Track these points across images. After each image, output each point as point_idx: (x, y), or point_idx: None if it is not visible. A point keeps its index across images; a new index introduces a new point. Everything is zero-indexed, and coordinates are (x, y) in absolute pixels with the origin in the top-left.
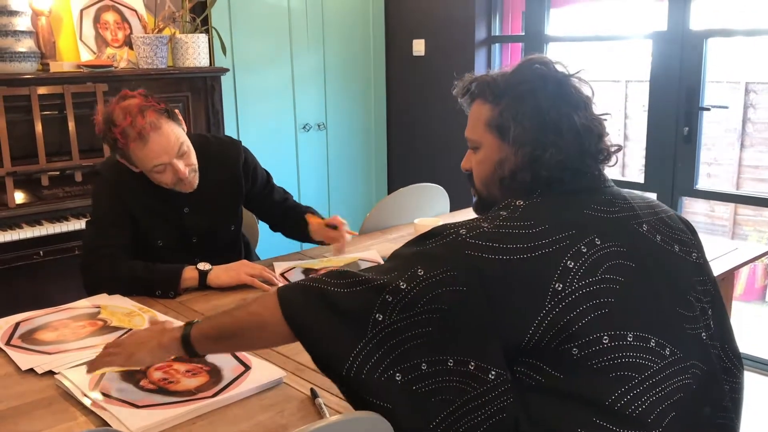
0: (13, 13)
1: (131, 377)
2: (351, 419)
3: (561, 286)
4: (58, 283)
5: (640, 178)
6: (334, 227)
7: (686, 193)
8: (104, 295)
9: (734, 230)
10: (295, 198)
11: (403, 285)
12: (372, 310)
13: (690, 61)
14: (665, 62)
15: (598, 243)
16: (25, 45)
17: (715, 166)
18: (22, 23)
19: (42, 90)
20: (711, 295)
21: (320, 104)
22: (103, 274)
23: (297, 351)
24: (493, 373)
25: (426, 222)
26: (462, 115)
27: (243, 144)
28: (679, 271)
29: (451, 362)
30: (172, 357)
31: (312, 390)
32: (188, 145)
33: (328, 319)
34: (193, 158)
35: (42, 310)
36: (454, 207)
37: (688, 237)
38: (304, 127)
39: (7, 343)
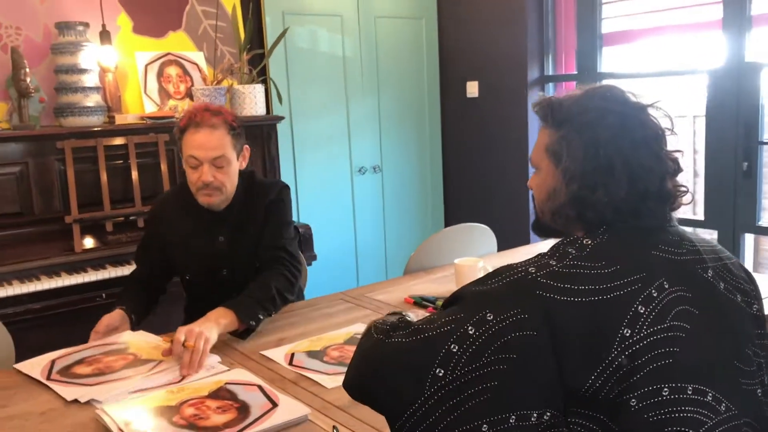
0: (82, 71)
1: (165, 413)
2: None
3: (629, 332)
4: None
5: (700, 215)
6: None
7: (748, 229)
8: (129, 332)
9: None
10: (351, 240)
11: (471, 330)
12: (432, 365)
13: (747, 94)
14: (721, 96)
15: (667, 287)
16: (92, 100)
17: None
18: (90, 80)
19: (107, 141)
20: (767, 350)
21: (375, 147)
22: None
23: (324, 390)
24: (548, 414)
25: (465, 262)
26: (517, 156)
27: (289, 189)
28: (739, 323)
29: (513, 419)
30: None
31: (334, 428)
32: (228, 164)
33: (381, 374)
34: (226, 180)
35: (73, 348)
36: (505, 247)
37: (749, 287)
38: (360, 170)
39: (48, 378)
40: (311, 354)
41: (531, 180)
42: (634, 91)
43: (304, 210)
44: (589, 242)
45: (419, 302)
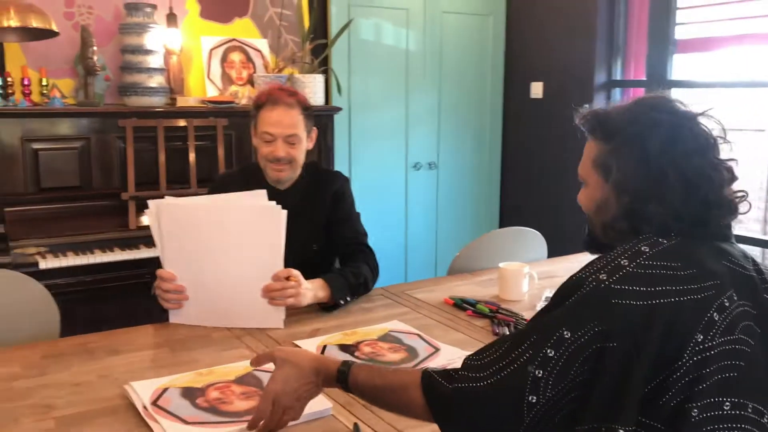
0: (147, 52)
1: (190, 394)
2: None
3: (702, 337)
4: None
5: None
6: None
7: None
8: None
9: None
10: (402, 235)
11: (551, 353)
12: (524, 395)
13: None
14: None
15: (736, 299)
16: (156, 81)
17: None
18: (154, 61)
19: (168, 123)
20: None
21: (433, 143)
22: None
23: None
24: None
25: (511, 267)
26: (578, 162)
27: (349, 181)
28: None
29: (603, 429)
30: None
31: (355, 425)
32: (299, 142)
33: (482, 422)
34: (297, 155)
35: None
36: (557, 254)
37: None
38: (415, 166)
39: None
40: (343, 347)
41: (580, 195)
42: (683, 100)
43: (356, 202)
44: (664, 241)
45: (459, 304)
